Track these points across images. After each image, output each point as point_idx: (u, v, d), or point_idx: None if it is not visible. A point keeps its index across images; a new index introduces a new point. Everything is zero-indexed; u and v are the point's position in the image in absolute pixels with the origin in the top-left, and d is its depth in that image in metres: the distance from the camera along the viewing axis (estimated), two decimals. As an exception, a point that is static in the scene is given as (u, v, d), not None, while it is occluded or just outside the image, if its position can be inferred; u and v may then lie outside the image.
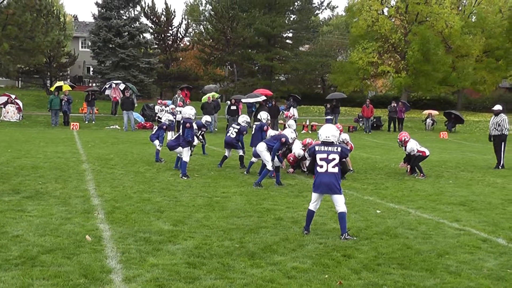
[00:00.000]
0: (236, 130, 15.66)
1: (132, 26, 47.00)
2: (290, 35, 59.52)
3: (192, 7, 68.70)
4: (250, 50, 56.56)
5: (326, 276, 6.28)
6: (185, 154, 13.58)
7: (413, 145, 14.96)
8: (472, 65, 48.97)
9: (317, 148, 8.34)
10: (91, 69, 55.75)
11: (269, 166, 12.78)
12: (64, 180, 12.28)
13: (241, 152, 15.74)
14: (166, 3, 66.15)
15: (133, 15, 48.64)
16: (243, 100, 32.76)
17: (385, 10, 51.50)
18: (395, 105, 35.42)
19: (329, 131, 8.37)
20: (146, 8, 55.04)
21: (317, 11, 60.40)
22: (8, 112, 32.12)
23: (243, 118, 16.37)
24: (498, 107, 17.71)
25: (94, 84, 49.65)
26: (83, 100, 34.98)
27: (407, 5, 48.87)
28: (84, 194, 10.67)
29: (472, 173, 16.01)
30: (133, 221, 8.51)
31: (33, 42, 38.93)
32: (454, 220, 9.39)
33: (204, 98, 32.44)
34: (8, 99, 32.79)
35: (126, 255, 6.74)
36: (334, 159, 8.20)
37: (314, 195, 8.39)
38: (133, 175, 13.49)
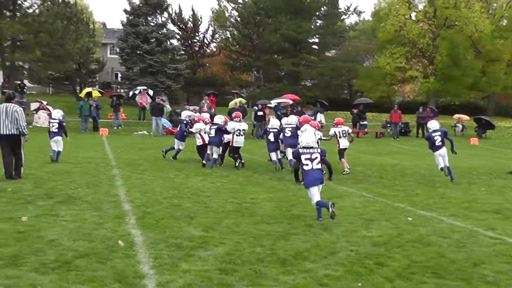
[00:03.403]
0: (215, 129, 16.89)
1: (160, 32, 47.33)
2: (316, 40, 59.39)
3: (219, 13, 68.86)
4: (276, 56, 56.60)
5: (359, 284, 6.22)
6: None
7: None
8: (503, 69, 48.37)
9: (301, 151, 9.91)
10: (119, 75, 56.23)
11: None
12: (95, 185, 12.40)
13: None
14: (193, 10, 66.70)
15: (160, 21, 48.96)
16: (272, 102, 32.83)
17: (413, 14, 51.19)
18: (423, 110, 35.12)
19: (309, 138, 10.05)
20: (174, 14, 55.47)
21: (343, 16, 60.21)
22: (40, 118, 32.52)
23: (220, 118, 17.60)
24: None
25: (121, 90, 50.10)
26: (110, 106, 35.29)
27: (435, 10, 48.54)
28: (115, 199, 10.75)
29: (505, 180, 15.80)
30: (164, 227, 8.55)
31: (63, 49, 39.47)
32: (488, 229, 9.22)
33: (231, 104, 32.53)
34: (40, 105, 33.24)
35: (158, 260, 6.76)
36: (316, 157, 9.78)
37: (314, 189, 9.61)
38: (162, 181, 13.57)
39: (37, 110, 33.07)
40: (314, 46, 59.44)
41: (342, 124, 16.55)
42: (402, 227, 9.13)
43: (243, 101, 35.19)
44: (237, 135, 16.83)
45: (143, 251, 7.13)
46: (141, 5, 47.56)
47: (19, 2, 40.61)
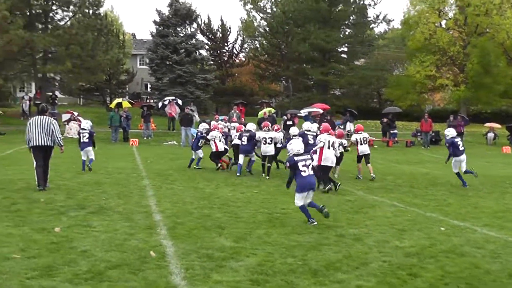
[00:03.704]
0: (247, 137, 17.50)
1: (189, 43, 47.68)
2: (345, 49, 59.08)
3: (247, 23, 69.11)
4: (305, 65, 56.48)
5: (393, 295, 6.17)
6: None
7: None
8: (536, 76, 47.60)
9: (296, 158, 10.20)
10: (149, 85, 56.70)
11: None
12: (126, 196, 12.49)
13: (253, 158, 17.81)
14: (222, 20, 66.67)
15: (189, 32, 49.33)
16: (302, 111, 32.83)
17: (443, 22, 50.70)
18: (454, 119, 34.74)
19: (299, 146, 10.48)
20: (203, 25, 55.79)
21: (372, 25, 59.82)
22: (71, 129, 32.94)
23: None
24: None
25: (151, 100, 50.51)
26: (140, 116, 35.57)
27: (466, 17, 48.04)
28: (146, 210, 10.82)
29: (540, 189, 15.52)
30: (195, 237, 8.57)
31: (94, 60, 40.06)
32: (523, 239, 9.06)
33: (260, 114, 32.55)
34: (71, 116, 33.68)
35: (190, 271, 6.77)
36: (310, 164, 10.31)
37: (302, 195, 10.07)
38: (192, 191, 13.62)
39: (68, 121, 33.52)
40: (343, 55, 59.17)
41: (362, 131, 17.40)
42: (435, 237, 9.03)
43: (272, 110, 35.19)
44: (263, 143, 17.04)
45: (175, 262, 7.15)
46: (170, 16, 48.00)
47: (51, 14, 41.38)
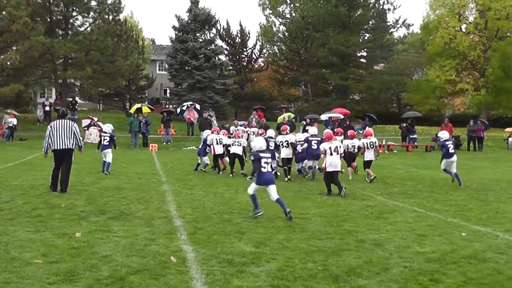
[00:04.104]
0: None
1: (208, 48, 47.82)
2: (365, 54, 59.00)
3: (266, 28, 69.26)
4: (324, 70, 56.45)
5: (414, 301, 6.12)
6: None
7: None
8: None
9: (261, 154, 11.07)
10: (168, 91, 56.96)
11: None
12: (146, 201, 12.54)
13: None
14: (241, 25, 66.92)
15: (208, 37, 49.50)
16: (322, 116, 32.82)
17: (463, 26, 50.37)
18: (474, 123, 34.48)
19: (261, 143, 11.45)
20: (222, 30, 55.95)
21: (392, 29, 59.72)
22: (91, 134, 33.21)
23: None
24: None
25: (170, 106, 50.73)
26: (160, 121, 35.75)
27: (486, 21, 47.70)
28: (166, 215, 10.85)
29: (561, 194, 15.33)
30: (215, 242, 8.57)
31: (113, 66, 40.38)
32: (546, 244, 8.95)
33: (280, 119, 32.56)
34: (91, 121, 33.96)
35: (210, 277, 6.77)
36: (270, 162, 11.27)
37: (257, 187, 10.98)
38: (212, 196, 13.64)
39: (88, 126, 33.79)
40: (362, 60, 59.08)
41: (371, 135, 18.17)
42: (456, 243, 8.94)
43: (292, 115, 35.21)
44: (283, 146, 17.46)
45: (195, 267, 7.16)
46: (189, 21, 48.23)
47: (71, 21, 41.78)
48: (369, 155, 17.64)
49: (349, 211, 11.78)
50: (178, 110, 38.37)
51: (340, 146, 14.91)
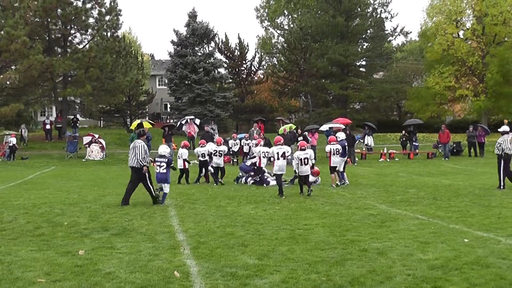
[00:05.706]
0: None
1: (207, 62, 48.00)
2: (364, 63, 59.24)
3: (265, 40, 69.53)
4: (324, 80, 56.61)
5: (419, 309, 6.11)
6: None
7: None
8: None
9: (157, 158, 14.24)
10: (169, 105, 57.07)
11: None
12: (149, 217, 12.54)
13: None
14: (239, 38, 67.13)
15: (207, 51, 49.70)
16: (322, 127, 32.83)
17: (461, 33, 50.50)
18: (473, 129, 34.46)
19: (162, 149, 14.79)
20: (220, 43, 56.11)
21: (390, 38, 60.03)
22: (92, 151, 33.27)
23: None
24: None
25: (171, 120, 50.80)
26: (161, 136, 35.75)
27: (483, 27, 47.78)
28: (169, 230, 10.85)
29: None
30: (218, 256, 8.57)
31: (113, 82, 40.47)
32: (550, 249, 8.93)
33: (281, 130, 32.58)
34: (92, 138, 34.00)
35: (214, 290, 6.78)
36: (163, 165, 14.54)
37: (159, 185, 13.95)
38: (215, 209, 13.64)
39: (89, 143, 33.81)
40: (361, 69, 59.28)
41: (335, 142, 18.71)
42: (459, 249, 8.93)
43: (293, 126, 35.20)
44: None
45: (199, 281, 7.16)
46: (188, 35, 48.42)
47: (69, 38, 41.93)
48: (335, 159, 18.36)
49: (352, 221, 11.78)
50: (178, 124, 38.41)
51: (287, 152, 16.76)
